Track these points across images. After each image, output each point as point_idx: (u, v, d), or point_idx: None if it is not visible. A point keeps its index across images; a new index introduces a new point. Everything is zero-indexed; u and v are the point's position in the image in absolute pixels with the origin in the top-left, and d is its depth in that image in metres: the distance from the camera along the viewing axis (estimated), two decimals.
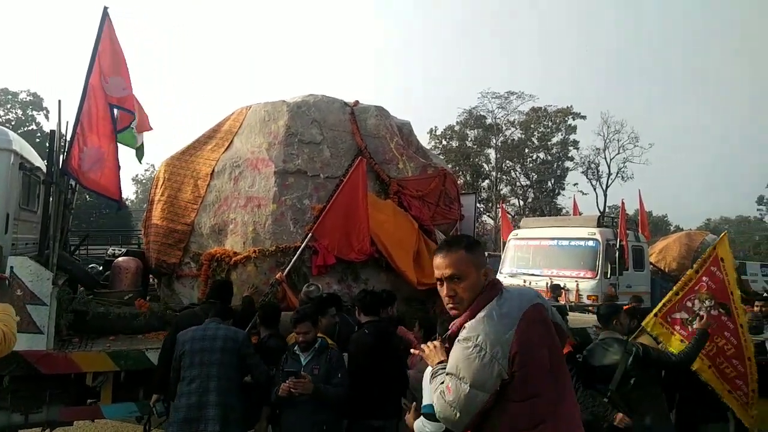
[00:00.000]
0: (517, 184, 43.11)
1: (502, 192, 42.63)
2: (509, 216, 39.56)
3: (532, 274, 11.35)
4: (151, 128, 7.10)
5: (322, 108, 6.15)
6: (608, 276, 10.35)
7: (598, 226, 11.01)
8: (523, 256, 12.02)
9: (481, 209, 41.55)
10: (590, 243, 10.76)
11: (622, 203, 11.35)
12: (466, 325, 1.88)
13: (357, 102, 6.62)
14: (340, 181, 5.62)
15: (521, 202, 42.59)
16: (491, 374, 1.77)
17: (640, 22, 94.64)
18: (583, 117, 40.40)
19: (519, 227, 12.92)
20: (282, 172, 5.61)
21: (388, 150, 6.32)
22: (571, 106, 40.49)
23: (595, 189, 41.40)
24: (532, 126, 41.33)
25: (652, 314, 4.63)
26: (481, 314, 1.86)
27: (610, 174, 41.22)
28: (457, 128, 42.36)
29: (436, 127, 42.96)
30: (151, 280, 6.46)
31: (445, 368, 1.94)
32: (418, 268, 5.84)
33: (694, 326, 4.49)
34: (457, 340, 1.88)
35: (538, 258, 11.70)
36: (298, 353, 3.80)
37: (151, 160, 42.61)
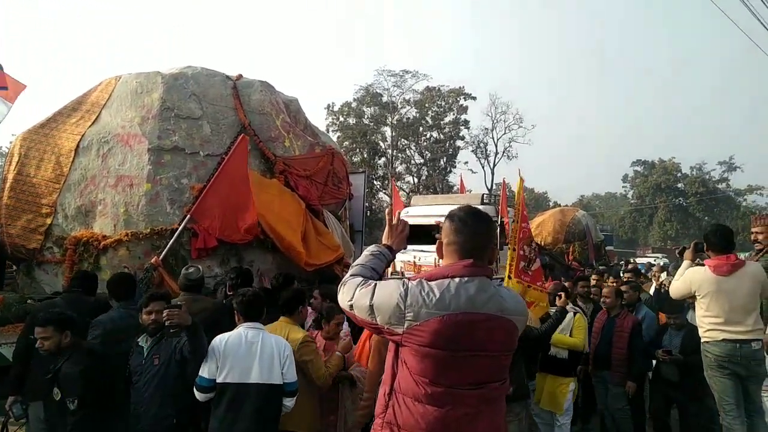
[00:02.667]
0: (412, 162, 44.09)
1: (397, 170, 43.43)
2: (404, 193, 40.67)
3: (422, 251, 11.71)
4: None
5: (201, 81, 5.80)
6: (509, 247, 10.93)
7: (481, 204, 11.55)
8: (413, 233, 12.34)
9: (378, 186, 42.17)
10: None
11: (503, 182, 12.01)
12: (421, 277, 1.87)
13: (240, 76, 6.33)
14: (222, 159, 5.37)
15: (415, 180, 43.70)
16: (391, 315, 1.79)
17: (527, 6, 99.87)
18: (474, 97, 42.06)
19: (410, 205, 13.22)
20: (157, 149, 5.24)
21: (274, 127, 6.12)
22: (463, 87, 41.95)
23: (483, 167, 43.47)
24: (427, 105, 42.33)
25: (506, 278, 4.93)
26: (438, 281, 1.84)
27: (497, 153, 43.49)
28: (354, 105, 42.34)
29: (333, 103, 42.62)
30: (12, 268, 5.80)
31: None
32: (305, 249, 5.77)
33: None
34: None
35: (427, 235, 12.07)
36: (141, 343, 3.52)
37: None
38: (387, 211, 2.30)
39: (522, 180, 6.18)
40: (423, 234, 12.04)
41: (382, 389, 1.93)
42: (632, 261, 14.58)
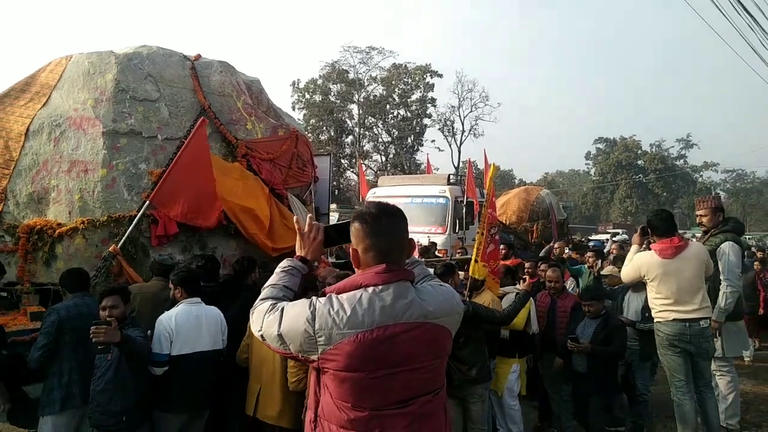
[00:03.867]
0: (379, 140, 44.01)
1: (365, 148, 43.26)
2: (372, 172, 40.57)
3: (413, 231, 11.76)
4: None
5: (157, 61, 5.58)
6: (456, 230, 11.07)
7: (448, 184, 11.65)
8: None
9: (345, 165, 41.96)
10: (440, 200, 11.40)
11: (469, 162, 12.12)
12: (330, 291, 1.73)
13: (199, 56, 6.13)
14: (181, 143, 5.22)
15: (383, 158, 43.65)
16: (301, 342, 1.63)
17: None
18: (440, 75, 42.10)
19: (377, 185, 13.22)
20: (111, 132, 5.04)
21: (235, 109, 5.97)
22: (430, 64, 41.85)
23: (450, 145, 43.73)
24: (393, 82, 42.07)
25: (473, 261, 5.01)
26: (349, 295, 1.68)
27: (463, 131, 43.75)
28: (320, 82, 41.76)
29: (299, 79, 42.10)
30: None
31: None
32: (270, 234, 5.71)
33: (518, 286, 5.03)
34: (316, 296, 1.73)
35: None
36: None
37: None
38: (295, 219, 2.04)
39: (495, 167, 6.26)
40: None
41: (308, 416, 1.79)
42: (585, 239, 14.91)
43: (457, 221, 11.13)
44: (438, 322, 1.73)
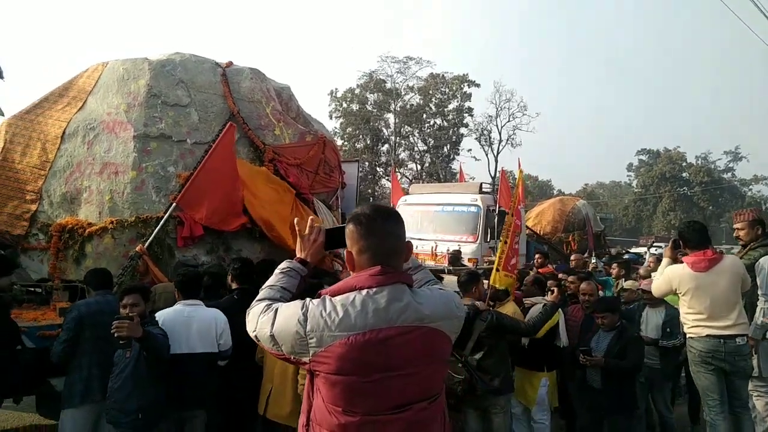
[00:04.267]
0: (415, 149, 43.94)
1: (400, 156, 43.30)
2: (407, 180, 40.55)
3: (420, 239, 11.70)
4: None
5: (189, 68, 5.73)
6: (488, 240, 10.90)
7: (480, 193, 11.50)
8: (411, 221, 12.32)
9: (381, 173, 42.11)
10: (472, 209, 11.25)
11: (502, 171, 11.95)
12: (325, 293, 1.69)
13: (230, 63, 6.26)
14: (209, 147, 5.32)
15: (419, 167, 43.55)
16: (293, 344, 1.60)
17: None
18: (478, 85, 41.76)
19: (408, 193, 13.19)
20: (142, 136, 5.19)
21: (264, 115, 6.05)
22: (467, 74, 41.61)
23: (487, 155, 43.24)
24: (430, 92, 42.02)
25: (494, 271, 4.89)
26: (342, 297, 1.63)
27: (501, 141, 43.24)
28: (357, 91, 42.08)
29: (336, 88, 42.44)
30: None
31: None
32: (295, 238, 5.72)
33: (547, 297, 4.85)
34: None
35: (424, 223, 12.04)
36: None
37: None
38: (296, 221, 2.01)
39: (521, 172, 6.16)
40: (420, 222, 12.13)
41: (300, 420, 1.74)
42: (624, 251, 14.45)
43: (489, 230, 10.95)
44: (435, 326, 1.66)
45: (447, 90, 42.48)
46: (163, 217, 4.98)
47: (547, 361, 4.79)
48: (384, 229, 1.71)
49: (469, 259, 10.65)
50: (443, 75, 41.93)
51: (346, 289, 1.65)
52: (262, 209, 5.52)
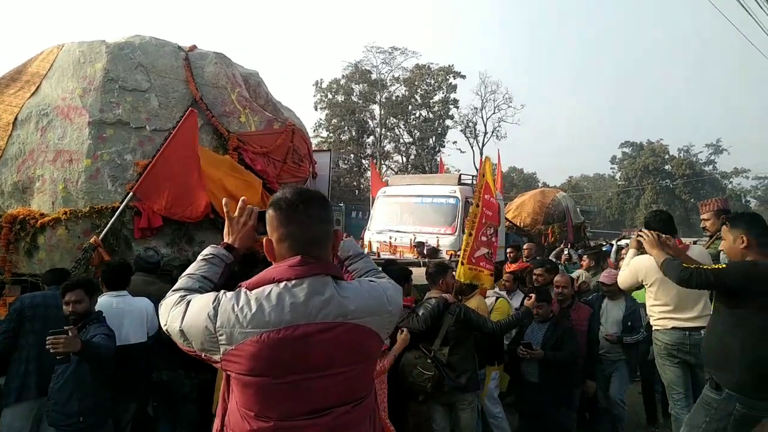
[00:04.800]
0: (401, 140, 43.81)
1: (386, 149, 43.13)
2: (392, 172, 40.39)
3: (398, 231, 11.56)
4: None
5: (149, 51, 5.50)
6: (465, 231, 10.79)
7: (458, 184, 11.37)
8: (391, 213, 12.17)
9: (366, 165, 41.89)
10: (450, 200, 11.11)
11: (481, 163, 11.80)
12: (243, 285, 1.53)
13: (194, 47, 6.03)
14: (169, 134, 5.11)
15: (404, 159, 43.42)
16: (203, 340, 1.45)
17: None
18: (463, 76, 41.69)
19: (388, 184, 13.03)
20: (98, 122, 4.97)
21: (229, 102, 5.85)
22: (453, 65, 41.49)
23: (472, 147, 43.25)
24: (416, 83, 41.83)
25: (459, 265, 4.78)
26: (258, 290, 1.49)
27: (486, 133, 43.25)
28: (342, 82, 41.76)
29: (321, 79, 42.13)
30: None
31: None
32: None
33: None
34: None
35: (404, 215, 11.90)
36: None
37: None
38: (224, 201, 1.87)
39: (488, 160, 5.99)
40: (399, 214, 11.99)
41: (215, 424, 1.61)
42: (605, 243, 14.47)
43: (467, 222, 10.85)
44: (360, 322, 1.52)
45: (432, 81, 42.32)
46: (119, 207, 4.78)
47: (497, 355, 4.74)
48: (306, 215, 1.56)
49: (447, 251, 10.54)
50: (429, 66, 41.76)
51: (264, 281, 1.51)
52: (225, 199, 5.33)
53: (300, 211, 1.56)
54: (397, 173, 39.71)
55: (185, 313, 1.50)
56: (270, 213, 1.60)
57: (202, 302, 1.50)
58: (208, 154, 5.38)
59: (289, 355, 1.42)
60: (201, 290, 1.63)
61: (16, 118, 5.05)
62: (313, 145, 7.47)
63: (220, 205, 5.24)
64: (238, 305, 1.44)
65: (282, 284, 1.48)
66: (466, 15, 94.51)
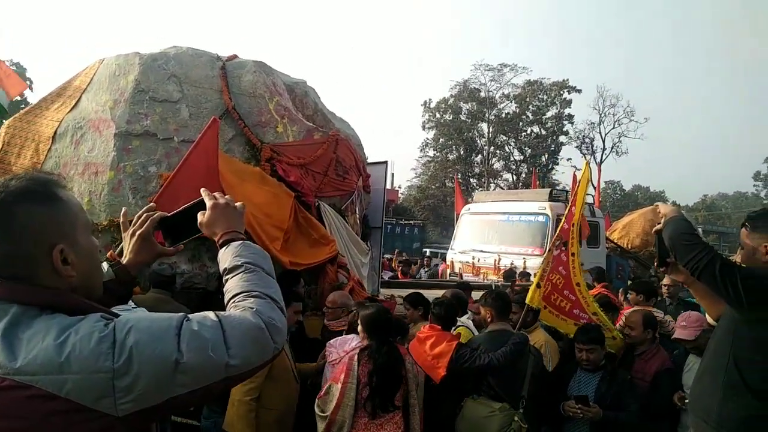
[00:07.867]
0: (511, 158, 42.22)
1: (494, 167, 41.79)
2: (501, 190, 38.86)
3: (482, 251, 10.67)
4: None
5: (184, 61, 5.36)
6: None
7: (549, 200, 10.24)
8: (475, 232, 11.31)
9: (474, 184, 40.86)
10: (539, 218, 10.02)
11: (574, 177, 10.57)
12: None
13: (234, 56, 5.84)
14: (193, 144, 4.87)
15: (514, 177, 41.71)
16: None
17: None
18: (579, 90, 39.33)
19: (472, 201, 12.18)
20: (124, 134, 4.86)
21: (266, 111, 5.52)
22: (567, 80, 39.33)
23: (588, 164, 40.42)
24: (527, 99, 40.19)
25: (533, 286, 4.14)
26: None
27: (604, 149, 40.30)
28: (450, 101, 41.30)
29: (430, 99, 41.95)
30: None
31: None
32: (287, 246, 5.13)
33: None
34: None
35: (489, 233, 10.98)
36: None
37: None
38: (123, 210, 1.67)
39: (586, 166, 5.24)
40: (484, 233, 11.09)
41: None
42: None
43: None
44: (26, 380, 0.98)
45: (545, 97, 40.39)
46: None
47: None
48: None
49: (535, 275, 9.44)
50: (540, 81, 39.93)
51: None
52: (252, 213, 4.96)
53: None
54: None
55: None
56: None
57: None
58: (237, 166, 5.08)
59: None
60: None
61: (55, 133, 5.11)
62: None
63: (246, 219, 4.92)
64: None
65: None
66: (582, 27, 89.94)
